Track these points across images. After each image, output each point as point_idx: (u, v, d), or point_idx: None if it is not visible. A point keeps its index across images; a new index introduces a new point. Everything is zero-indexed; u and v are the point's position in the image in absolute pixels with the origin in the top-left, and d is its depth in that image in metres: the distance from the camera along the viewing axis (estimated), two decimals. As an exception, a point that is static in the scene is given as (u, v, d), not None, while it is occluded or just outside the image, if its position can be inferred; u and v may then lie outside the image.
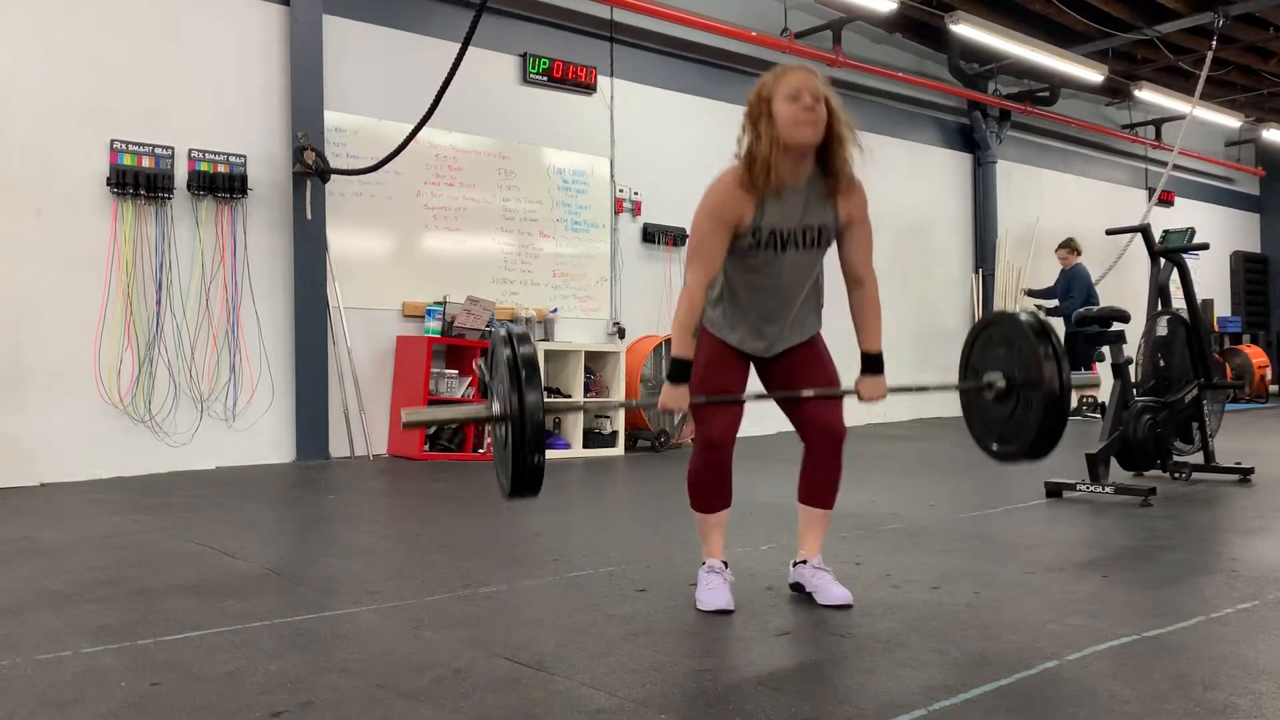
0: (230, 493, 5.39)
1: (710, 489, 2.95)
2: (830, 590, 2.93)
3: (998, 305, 11.35)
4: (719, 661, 2.50)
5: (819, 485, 2.99)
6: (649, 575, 3.31)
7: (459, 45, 5.61)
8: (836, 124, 2.73)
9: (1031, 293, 10.61)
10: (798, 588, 3.05)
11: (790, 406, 2.98)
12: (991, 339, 3.12)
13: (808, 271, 2.87)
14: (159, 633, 2.66)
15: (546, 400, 2.57)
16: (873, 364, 2.95)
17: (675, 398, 2.82)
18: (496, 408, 2.58)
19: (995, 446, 3.11)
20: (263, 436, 6.50)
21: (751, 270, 2.83)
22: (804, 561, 3.02)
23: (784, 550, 3.65)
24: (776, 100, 2.67)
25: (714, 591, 2.90)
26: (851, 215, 2.85)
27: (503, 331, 2.60)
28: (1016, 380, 2.99)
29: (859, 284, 2.92)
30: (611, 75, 8.25)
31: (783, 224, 2.76)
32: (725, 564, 2.99)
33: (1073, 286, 10.06)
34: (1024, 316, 3.03)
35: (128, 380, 5.99)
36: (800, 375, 2.96)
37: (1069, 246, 10.26)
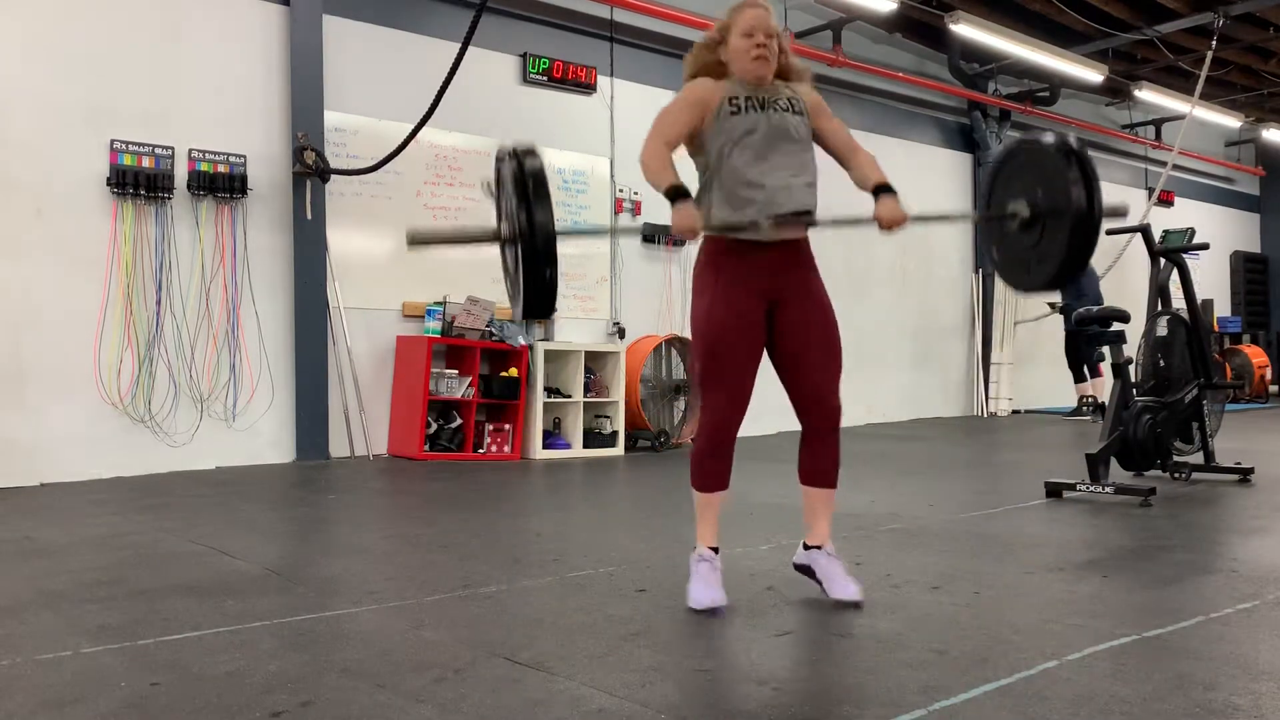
0: (230, 493, 5.39)
1: (713, 464, 2.93)
2: (844, 585, 2.94)
3: (998, 307, 11.35)
4: (719, 661, 2.50)
5: (820, 463, 2.99)
6: (649, 575, 3.31)
7: (459, 45, 5.61)
8: (786, 59, 2.98)
9: (1054, 303, 10.45)
10: (805, 570, 3.05)
11: (788, 376, 2.97)
12: (1016, 168, 3.04)
13: (795, 131, 2.92)
14: (159, 633, 2.66)
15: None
16: (885, 189, 2.94)
17: (685, 216, 2.75)
18: (505, 229, 2.53)
19: (1022, 275, 3.04)
20: (263, 436, 6.50)
21: (742, 132, 2.87)
22: (818, 547, 3.02)
23: (784, 550, 3.65)
24: (733, 35, 2.92)
25: (707, 588, 2.88)
26: (817, 105, 3.01)
27: (509, 145, 2.55)
28: (1041, 206, 2.91)
29: (853, 151, 3.03)
30: (611, 75, 8.25)
31: (757, 94, 2.91)
32: (716, 551, 2.97)
33: (1084, 286, 9.91)
34: (1048, 136, 2.96)
35: (128, 380, 5.99)
36: (799, 336, 2.93)
37: None
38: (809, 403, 2.95)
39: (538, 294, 2.47)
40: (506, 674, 2.34)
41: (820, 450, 2.98)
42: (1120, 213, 3.00)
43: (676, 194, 2.76)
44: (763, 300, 2.91)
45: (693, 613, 2.85)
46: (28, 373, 5.69)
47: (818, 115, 3.01)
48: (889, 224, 2.92)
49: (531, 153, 2.56)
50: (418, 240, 2.61)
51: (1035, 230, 2.94)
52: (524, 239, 2.43)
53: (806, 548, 3.06)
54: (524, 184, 2.46)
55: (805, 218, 2.91)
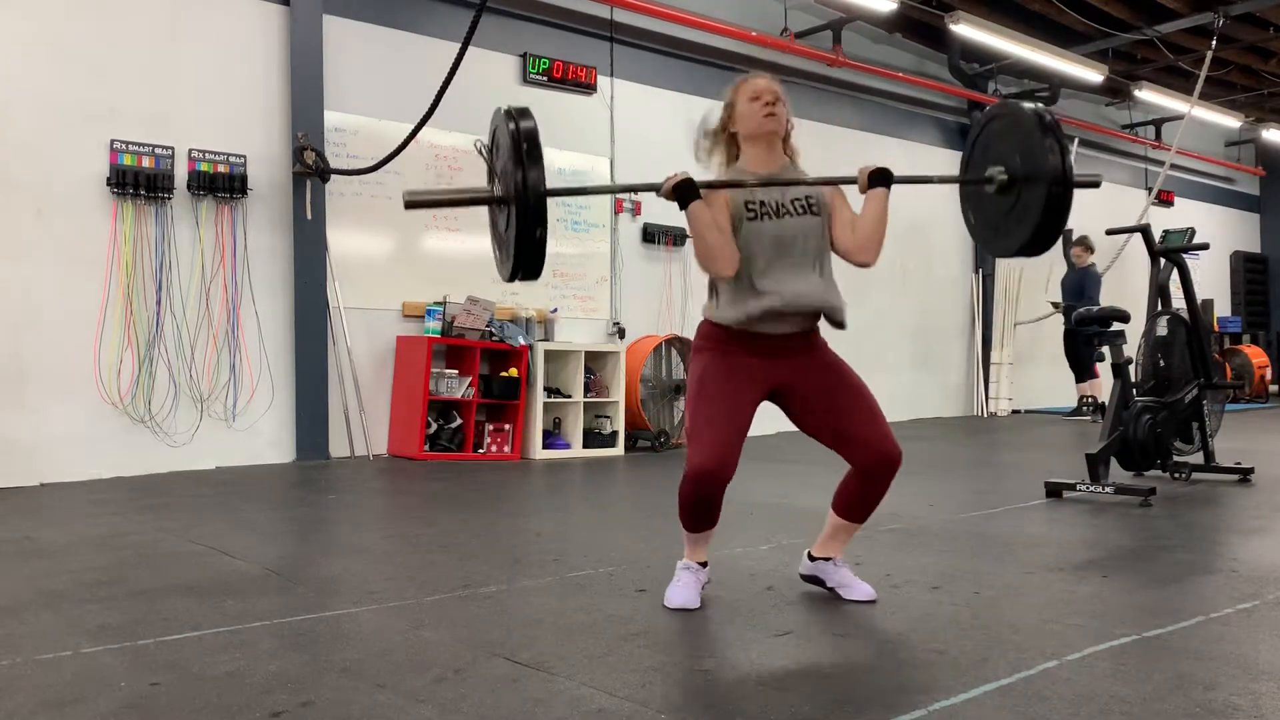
0: (230, 493, 5.39)
1: (700, 514, 2.88)
2: (857, 586, 2.99)
3: (998, 307, 11.35)
4: (719, 661, 2.50)
5: (862, 504, 2.95)
6: (649, 575, 3.31)
7: (459, 45, 5.61)
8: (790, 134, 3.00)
9: (1056, 303, 10.40)
10: (814, 580, 3.07)
11: (830, 434, 2.89)
12: (995, 132, 3.06)
13: (810, 234, 2.87)
14: (159, 633, 2.66)
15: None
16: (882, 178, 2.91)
17: (676, 180, 2.83)
18: (499, 189, 2.56)
19: (990, 237, 3.10)
20: (263, 436, 6.50)
21: (756, 235, 2.83)
22: (827, 559, 3.04)
23: (784, 550, 3.65)
24: (740, 101, 2.96)
25: (683, 589, 2.92)
26: (831, 193, 2.97)
27: (503, 108, 2.59)
28: (1018, 172, 2.92)
29: (851, 233, 2.93)
30: (611, 75, 8.25)
31: (770, 197, 2.89)
32: (704, 564, 3.00)
33: (1087, 286, 9.87)
34: (1028, 105, 2.98)
35: (128, 380, 5.99)
36: (827, 400, 2.87)
37: (1084, 244, 10.07)
38: (863, 448, 2.86)
39: (529, 253, 2.51)
40: (507, 674, 2.34)
41: (871, 492, 2.92)
42: (1094, 184, 3.01)
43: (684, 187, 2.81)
44: (763, 377, 2.86)
45: (692, 613, 2.85)
46: (28, 373, 5.69)
47: (834, 207, 2.94)
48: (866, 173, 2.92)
49: (525, 114, 2.58)
50: (415, 203, 2.66)
51: (1011, 195, 2.96)
52: (517, 198, 2.47)
53: (812, 559, 3.08)
54: (518, 144, 2.49)
55: (811, 320, 2.91)
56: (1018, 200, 2.94)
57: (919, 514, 4.55)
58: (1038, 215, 2.86)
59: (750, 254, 2.82)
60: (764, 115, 2.91)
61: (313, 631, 2.71)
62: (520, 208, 2.45)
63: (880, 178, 2.90)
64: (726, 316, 2.85)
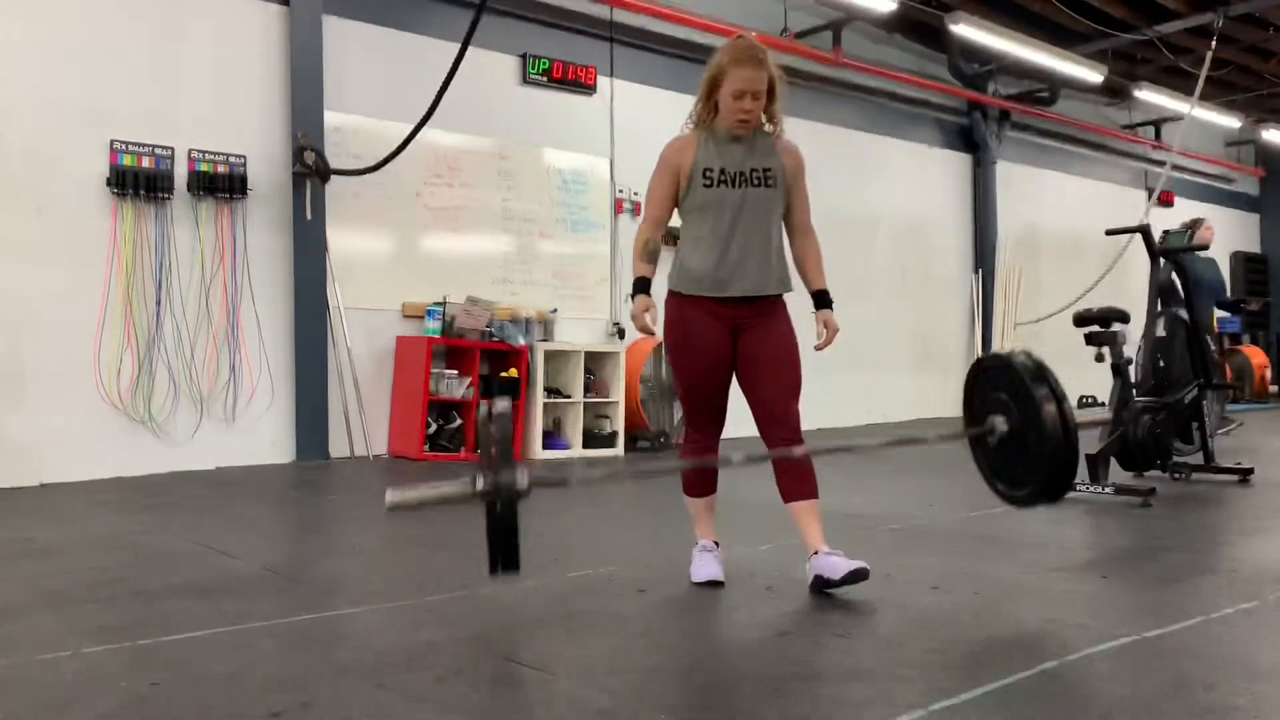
0: (230, 493, 5.39)
1: (699, 477, 3.20)
2: (843, 565, 2.96)
3: (998, 307, 11.33)
4: (719, 662, 2.50)
5: (793, 478, 3.06)
6: (649, 575, 3.31)
7: (459, 45, 5.62)
8: (775, 85, 3.07)
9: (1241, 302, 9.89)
10: (819, 582, 3.02)
11: (750, 394, 3.13)
12: (990, 382, 3.08)
13: (765, 208, 3.08)
14: (159, 633, 2.66)
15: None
16: (826, 299, 3.19)
17: (640, 312, 3.03)
18: (480, 483, 2.61)
19: (1006, 490, 3.10)
20: (263, 437, 6.50)
21: (714, 205, 3.06)
22: (815, 553, 3.04)
23: (783, 550, 3.65)
24: (724, 90, 3.00)
25: (706, 564, 3.12)
26: (792, 169, 3.14)
27: (482, 411, 2.64)
28: (1017, 424, 2.95)
29: (805, 233, 3.21)
30: (611, 75, 8.25)
31: (732, 165, 3.06)
32: (716, 544, 3.22)
33: (1201, 274, 8.16)
34: (1018, 358, 2.98)
35: (128, 380, 5.99)
36: (761, 358, 3.08)
37: (1201, 224, 8.20)
38: (766, 416, 3.07)
39: (504, 550, 2.58)
40: (507, 674, 2.34)
41: (791, 464, 3.04)
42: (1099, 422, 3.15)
43: (637, 287, 3.07)
44: (727, 326, 3.10)
45: (692, 613, 2.85)
46: (28, 373, 5.69)
47: (791, 184, 3.15)
48: (829, 335, 3.14)
49: (503, 416, 2.60)
50: (399, 505, 2.67)
51: (1014, 444, 2.97)
52: (490, 501, 2.54)
53: (809, 560, 3.08)
54: (487, 446, 2.54)
55: (755, 299, 3.11)
56: (1025, 448, 2.94)
57: (918, 514, 4.55)
58: (1047, 461, 2.88)
59: (704, 218, 3.08)
60: (737, 120, 3.02)
61: (312, 632, 2.71)
62: (489, 511, 2.53)
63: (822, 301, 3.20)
64: (685, 285, 3.10)
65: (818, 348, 3.15)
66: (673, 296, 3.14)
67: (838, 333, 3.15)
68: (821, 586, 3.03)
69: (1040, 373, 2.92)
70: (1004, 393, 3.00)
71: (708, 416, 3.17)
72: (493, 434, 2.55)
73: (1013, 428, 2.95)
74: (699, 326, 3.08)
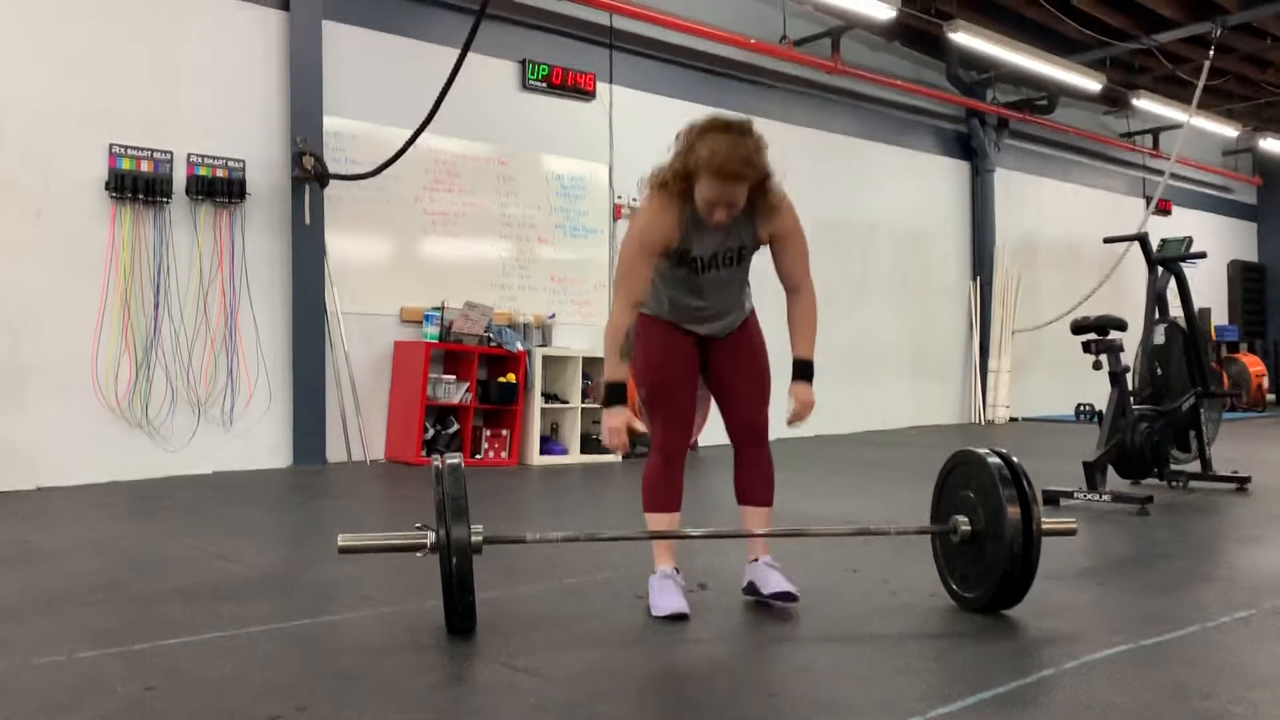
0: (227, 497, 5.38)
1: (664, 489, 3.02)
2: (777, 581, 2.94)
3: (996, 314, 11.34)
4: (716, 669, 2.50)
5: (752, 483, 3.07)
6: (646, 582, 3.30)
7: (459, 51, 5.62)
8: (764, 180, 2.79)
9: None
10: (751, 588, 3.03)
11: (719, 401, 3.09)
12: (961, 478, 3.03)
13: (728, 283, 2.98)
14: (155, 637, 2.66)
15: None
16: (804, 370, 2.94)
17: (611, 417, 2.81)
18: (431, 537, 2.62)
19: (958, 589, 3.00)
20: (260, 441, 6.49)
21: (676, 281, 2.95)
22: (755, 560, 3.04)
23: (777, 559, 3.65)
24: (700, 185, 2.72)
25: (668, 596, 2.90)
26: (776, 232, 2.90)
27: (435, 463, 2.64)
28: (980, 527, 2.89)
29: (795, 292, 2.97)
30: (610, 82, 8.26)
31: (703, 251, 2.87)
32: (677, 570, 3.03)
33: None
34: (991, 459, 2.92)
35: (125, 384, 5.98)
36: (731, 369, 3.05)
37: None
38: (734, 423, 3.07)
39: (458, 609, 2.59)
40: (504, 680, 2.34)
41: (749, 470, 3.06)
42: (1070, 532, 3.06)
43: (612, 395, 2.82)
44: (694, 341, 3.04)
45: (690, 620, 2.84)
46: (25, 376, 5.68)
47: (776, 240, 2.91)
48: (802, 408, 2.91)
49: (455, 469, 2.66)
50: (349, 549, 2.69)
51: (977, 546, 2.91)
52: (443, 559, 2.53)
53: (749, 563, 3.07)
54: (443, 507, 2.57)
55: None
56: (983, 554, 2.87)
57: (915, 521, 4.54)
58: (1001, 571, 2.79)
59: (675, 281, 2.95)
60: (712, 222, 2.79)
61: (309, 636, 2.71)
62: (444, 567, 2.54)
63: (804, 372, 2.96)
64: (655, 311, 3.01)
65: (789, 422, 2.92)
66: (641, 315, 3.00)
67: (810, 409, 2.91)
68: (752, 593, 3.04)
69: (1011, 478, 2.84)
70: (972, 492, 2.94)
71: (675, 424, 3.02)
72: (446, 489, 2.56)
73: (975, 530, 2.90)
74: (667, 333, 3.01)
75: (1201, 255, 6.01)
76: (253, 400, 6.46)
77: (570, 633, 2.74)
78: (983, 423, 11.10)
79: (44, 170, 5.76)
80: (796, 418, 2.92)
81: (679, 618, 2.83)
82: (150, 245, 6.10)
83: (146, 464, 6.02)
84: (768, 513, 3.07)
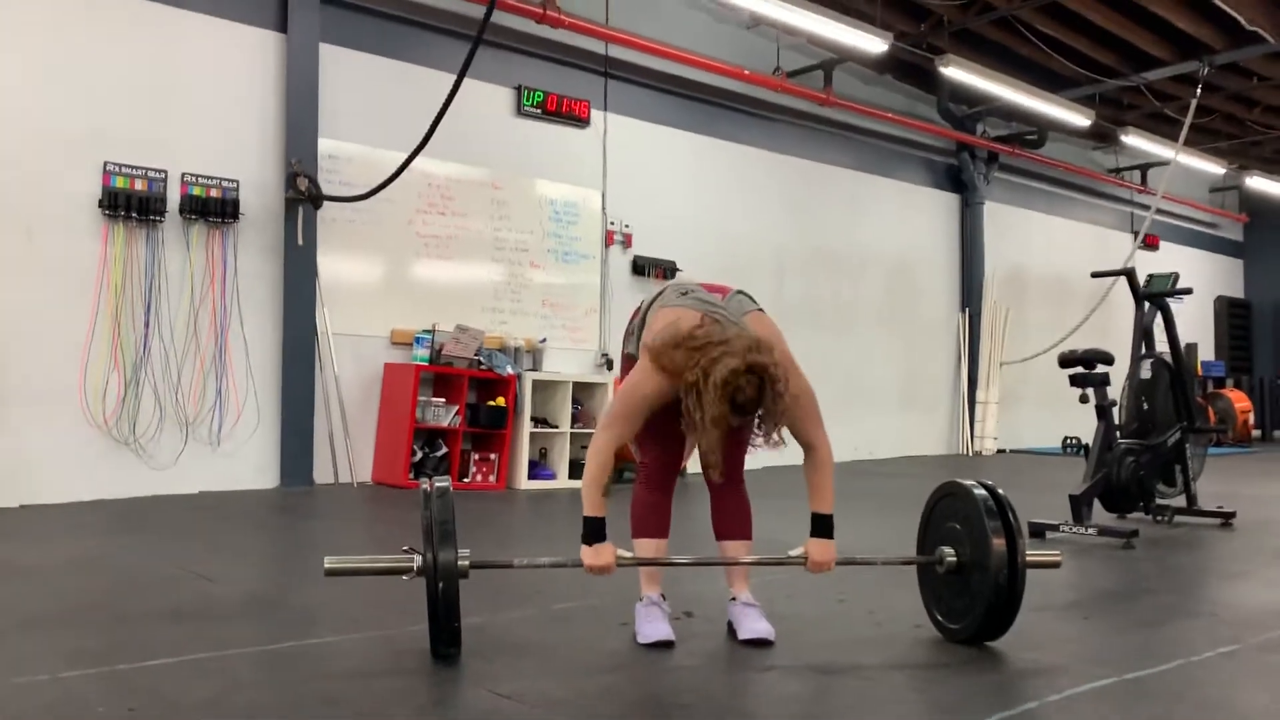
0: (213, 517, 5.36)
1: (652, 515, 3.03)
2: (752, 625, 2.92)
3: (984, 346, 11.40)
4: (701, 697, 2.50)
5: (728, 519, 3.07)
6: (632, 609, 3.30)
7: (454, 76, 5.66)
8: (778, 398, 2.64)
9: None
10: (730, 628, 3.02)
11: (693, 441, 2.92)
12: (948, 509, 3.04)
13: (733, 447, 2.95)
14: (137, 658, 2.64)
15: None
16: (822, 526, 2.88)
17: (599, 555, 2.72)
18: (418, 561, 2.62)
19: (943, 620, 2.99)
20: (247, 461, 6.47)
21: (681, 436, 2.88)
22: (733, 599, 3.03)
23: (769, 585, 3.64)
24: (710, 401, 2.58)
25: (653, 623, 2.89)
26: (780, 412, 2.70)
27: (424, 486, 2.64)
28: (966, 558, 2.90)
29: (810, 449, 2.87)
30: (605, 109, 8.32)
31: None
32: (663, 596, 3.02)
33: None
34: (978, 491, 2.94)
35: (113, 402, 5.96)
36: None
37: None
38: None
39: (442, 631, 2.60)
40: (488, 706, 2.33)
41: (725, 506, 3.07)
42: (1054, 564, 3.14)
43: (592, 531, 2.73)
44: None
45: (676, 648, 2.84)
46: (12, 392, 5.65)
47: (779, 420, 2.71)
48: (817, 566, 2.85)
49: (444, 492, 2.66)
50: (335, 571, 2.71)
51: (963, 578, 2.92)
52: (430, 583, 2.55)
53: (729, 603, 3.06)
54: (430, 530, 2.58)
55: None
56: (968, 585, 2.89)
57: (902, 551, 4.54)
58: (986, 603, 2.80)
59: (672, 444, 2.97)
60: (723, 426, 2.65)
61: (294, 659, 2.70)
62: (430, 590, 2.57)
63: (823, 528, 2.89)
64: None
65: (809, 561, 2.86)
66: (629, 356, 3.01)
67: (829, 567, 2.86)
68: (732, 634, 3.00)
69: (997, 510, 2.85)
70: (959, 524, 2.94)
71: (664, 451, 2.99)
72: (434, 513, 2.57)
73: (961, 562, 2.91)
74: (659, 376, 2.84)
75: (1188, 291, 6.06)
76: (241, 420, 6.44)
77: (556, 659, 2.74)
78: (970, 454, 11.12)
79: (38, 187, 5.76)
80: (816, 570, 2.86)
81: (664, 645, 2.83)
82: (142, 264, 6.10)
83: (132, 483, 5.99)
84: (748, 545, 3.07)
